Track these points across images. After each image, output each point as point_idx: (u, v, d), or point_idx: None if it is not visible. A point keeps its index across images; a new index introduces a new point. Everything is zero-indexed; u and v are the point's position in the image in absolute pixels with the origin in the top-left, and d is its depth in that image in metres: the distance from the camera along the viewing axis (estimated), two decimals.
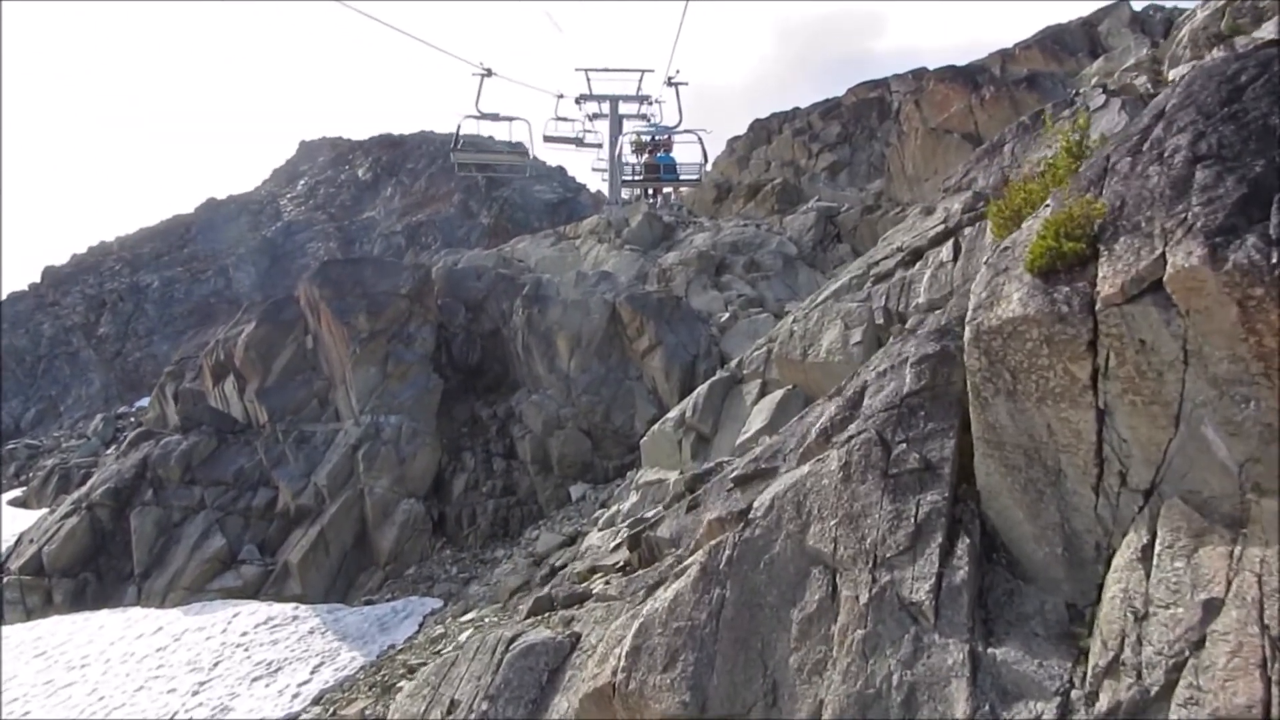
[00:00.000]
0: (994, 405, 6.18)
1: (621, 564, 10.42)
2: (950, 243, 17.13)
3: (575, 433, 22.45)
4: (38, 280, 75.53)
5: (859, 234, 27.99)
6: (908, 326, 9.53)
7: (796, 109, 38.03)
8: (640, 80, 34.18)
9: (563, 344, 23.81)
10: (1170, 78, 18.66)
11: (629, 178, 34.13)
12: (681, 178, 33.19)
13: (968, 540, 6.16)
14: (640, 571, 9.45)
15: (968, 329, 6.38)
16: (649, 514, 11.72)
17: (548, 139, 35.53)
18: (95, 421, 39.44)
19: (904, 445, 6.81)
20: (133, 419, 38.53)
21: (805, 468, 7.43)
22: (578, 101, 34.19)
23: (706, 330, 24.01)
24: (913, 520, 6.34)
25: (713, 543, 7.38)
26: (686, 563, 7.63)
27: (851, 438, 7.18)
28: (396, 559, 21.13)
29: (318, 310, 25.00)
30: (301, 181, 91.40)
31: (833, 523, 6.73)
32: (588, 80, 33.95)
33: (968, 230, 17.19)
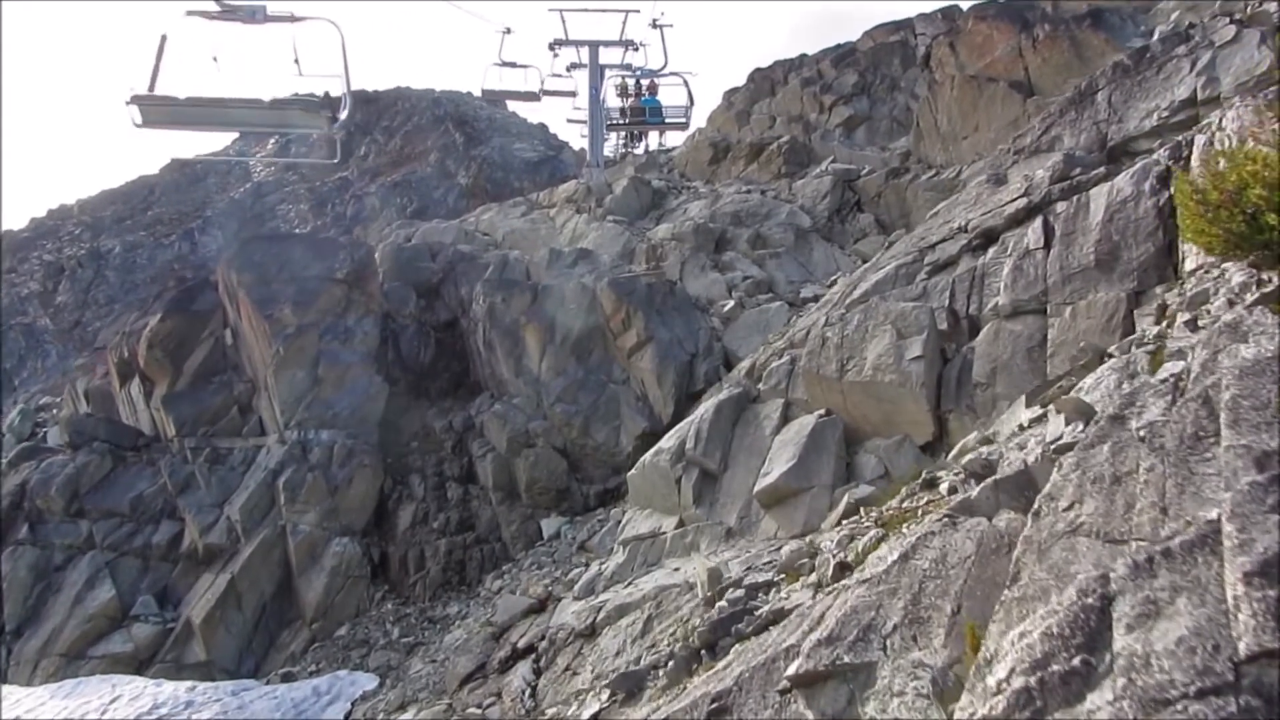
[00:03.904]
0: None
1: None
2: (1037, 223, 12.85)
3: (547, 451, 18.31)
4: None
5: (883, 201, 23.74)
6: (1140, 417, 5.37)
7: (804, 55, 33.41)
8: (624, 23, 29.61)
9: (532, 340, 19.59)
10: None
11: (614, 121, 30.67)
12: (667, 121, 30.10)
13: None
14: None
15: None
16: (639, 662, 7.65)
17: (489, 94, 30.54)
18: (11, 415, 34.87)
19: None
20: (55, 412, 34.08)
21: None
22: (551, 47, 29.51)
23: (706, 322, 19.85)
24: None
25: None
26: None
27: None
28: (326, 614, 17.07)
29: (236, 299, 20.66)
30: (272, 140, 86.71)
31: None
32: (563, 22, 29.31)
33: (1060, 206, 12.92)
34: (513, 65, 29.47)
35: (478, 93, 31.85)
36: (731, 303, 20.26)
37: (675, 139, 37.35)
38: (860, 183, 24.59)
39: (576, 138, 76.55)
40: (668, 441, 14.53)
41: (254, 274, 20.54)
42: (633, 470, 15.13)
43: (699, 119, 36.33)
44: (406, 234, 25.74)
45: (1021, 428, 7.02)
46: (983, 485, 5.68)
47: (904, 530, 6.63)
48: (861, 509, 8.29)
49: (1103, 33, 20.94)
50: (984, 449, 6.73)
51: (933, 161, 23.64)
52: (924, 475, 7.68)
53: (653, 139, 34.72)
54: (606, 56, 30.23)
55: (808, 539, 11.93)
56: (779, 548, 12.16)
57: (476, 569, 17.31)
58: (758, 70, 34.61)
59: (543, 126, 72.54)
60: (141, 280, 68.62)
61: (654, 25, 29.74)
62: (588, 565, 14.91)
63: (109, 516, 18.74)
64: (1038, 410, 7.08)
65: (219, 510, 18.39)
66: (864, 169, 25.22)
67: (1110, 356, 7.81)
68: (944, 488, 7.19)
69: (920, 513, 6.89)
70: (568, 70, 30.66)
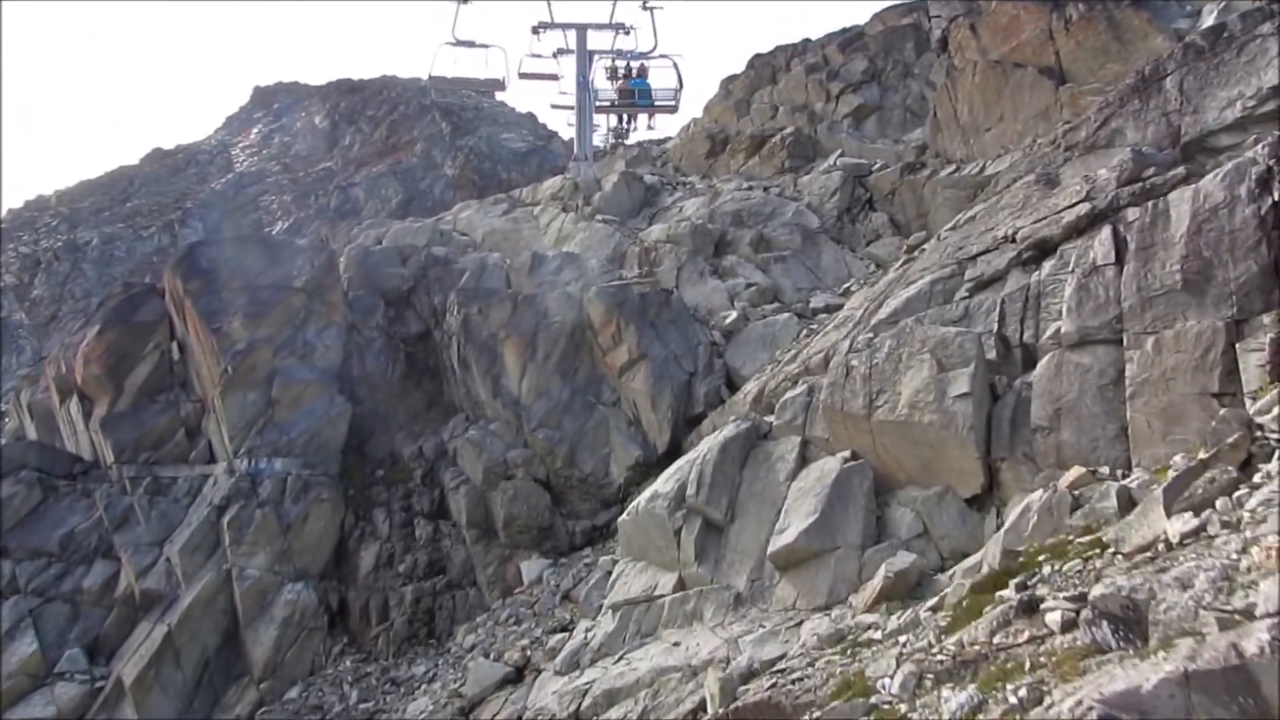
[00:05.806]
0: None
1: None
2: (1105, 233, 10.68)
3: (528, 484, 16.30)
4: None
5: (898, 199, 21.73)
6: None
7: (807, 40, 31.30)
8: (614, 5, 27.64)
9: (511, 356, 17.55)
10: None
11: (602, 103, 29.24)
12: (657, 104, 28.96)
13: None
14: None
15: None
16: None
17: (438, 81, 27.97)
18: None
19: None
20: (5, 422, 31.86)
21: None
22: (535, 31, 27.38)
23: (706, 336, 17.84)
24: None
25: None
26: None
27: None
28: (276, 672, 15.06)
29: (184, 309, 18.56)
30: (255, 130, 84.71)
31: None
32: (549, 4, 27.19)
33: (1132, 214, 10.82)
34: (470, 45, 26.87)
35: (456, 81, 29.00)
36: (734, 313, 18.25)
37: (667, 128, 35.48)
38: (872, 179, 22.58)
39: (563, 125, 74.00)
40: (665, 485, 12.51)
41: (201, 281, 18.45)
42: (624, 515, 13.15)
43: (695, 108, 34.42)
44: (376, 235, 23.60)
45: (1169, 545, 5.04)
46: (1164, 677, 3.66)
47: (1010, 697, 4.64)
48: (935, 637, 6.23)
49: (1144, 12, 18.91)
50: (1120, 580, 4.73)
51: (952, 156, 21.63)
52: (1017, 594, 5.66)
53: (642, 124, 32.85)
54: (595, 41, 28.19)
55: (834, 614, 10.00)
56: (798, 623, 10.22)
57: (447, 620, 15.30)
58: (758, 56, 32.43)
59: (531, 116, 70.31)
60: (120, 274, 66.46)
61: (644, 7, 27.73)
62: (572, 626, 12.95)
63: (35, 556, 16.67)
64: (1190, 519, 5.09)
65: (158, 550, 16.35)
66: (876, 163, 23.19)
67: (1264, 430, 5.80)
68: (1052, 619, 5.20)
69: (1029, 665, 4.89)
70: (554, 55, 28.60)
